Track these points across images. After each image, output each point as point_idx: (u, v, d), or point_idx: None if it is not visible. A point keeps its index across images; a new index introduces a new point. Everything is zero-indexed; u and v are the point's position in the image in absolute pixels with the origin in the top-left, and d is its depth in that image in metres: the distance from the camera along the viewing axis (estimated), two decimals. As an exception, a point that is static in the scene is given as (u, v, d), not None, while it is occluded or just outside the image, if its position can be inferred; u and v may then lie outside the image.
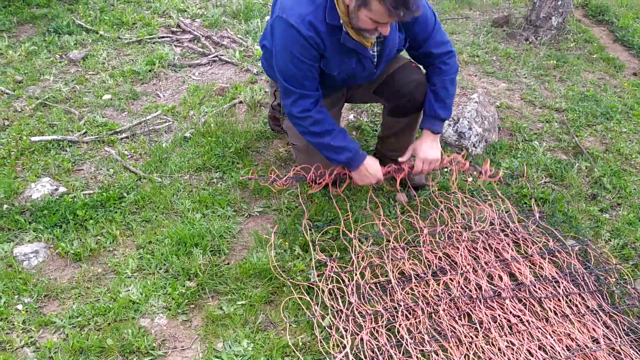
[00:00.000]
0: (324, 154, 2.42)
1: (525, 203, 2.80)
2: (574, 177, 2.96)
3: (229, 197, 2.69)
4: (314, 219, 2.59)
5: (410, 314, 2.13)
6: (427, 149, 2.49)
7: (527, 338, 2.05)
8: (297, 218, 2.59)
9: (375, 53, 2.33)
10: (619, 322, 2.15)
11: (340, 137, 2.37)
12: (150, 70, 3.89)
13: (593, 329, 2.12)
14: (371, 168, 2.47)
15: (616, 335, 2.09)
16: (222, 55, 4.18)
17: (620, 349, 2.03)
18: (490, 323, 2.09)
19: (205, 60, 4.13)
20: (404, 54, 2.53)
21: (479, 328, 2.07)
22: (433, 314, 2.13)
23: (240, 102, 3.53)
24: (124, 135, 3.18)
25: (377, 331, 2.04)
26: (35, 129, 3.16)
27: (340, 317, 2.07)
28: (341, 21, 2.11)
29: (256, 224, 2.59)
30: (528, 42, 4.51)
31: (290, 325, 2.06)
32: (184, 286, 2.19)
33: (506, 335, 2.05)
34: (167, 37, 4.42)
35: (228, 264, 2.34)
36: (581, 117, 3.50)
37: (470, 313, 2.15)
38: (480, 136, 3.14)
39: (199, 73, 3.97)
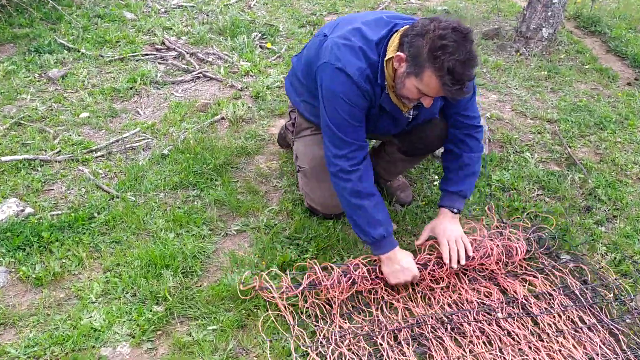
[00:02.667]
0: (356, 223, 2.13)
1: (518, 217, 2.67)
2: (567, 189, 2.83)
3: (205, 216, 2.56)
4: (293, 237, 2.45)
5: (396, 331, 1.99)
6: (448, 228, 2.23)
7: (518, 354, 1.91)
8: (276, 236, 2.46)
9: (411, 116, 2.23)
10: (619, 338, 2.01)
11: (380, 207, 2.13)
12: (131, 88, 3.78)
13: (590, 346, 1.98)
14: (405, 260, 2.14)
15: (614, 353, 1.95)
16: (206, 71, 4.09)
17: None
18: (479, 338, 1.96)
19: (189, 77, 4.04)
20: None
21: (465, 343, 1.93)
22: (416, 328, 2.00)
23: (222, 118, 3.43)
24: (99, 153, 3.06)
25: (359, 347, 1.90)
26: (8, 148, 3.04)
27: (320, 342, 1.93)
28: (385, 83, 2.02)
29: (233, 243, 2.45)
30: (519, 54, 4.42)
31: (264, 351, 1.92)
32: (150, 311, 2.05)
33: (495, 351, 1.92)
34: (151, 54, 4.33)
35: (200, 286, 2.20)
36: (574, 127, 3.38)
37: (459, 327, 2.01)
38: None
39: (182, 90, 3.87)
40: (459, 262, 2.18)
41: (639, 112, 3.62)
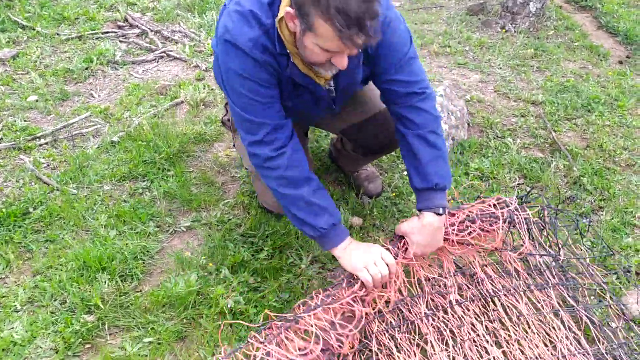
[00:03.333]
0: (296, 216, 1.73)
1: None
2: (551, 178, 2.61)
3: (153, 211, 2.33)
4: (248, 234, 2.23)
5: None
6: (423, 240, 1.76)
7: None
8: (229, 233, 2.23)
9: (332, 87, 1.79)
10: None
11: (321, 192, 1.74)
12: (86, 69, 3.52)
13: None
14: (363, 243, 1.75)
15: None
16: (170, 50, 3.82)
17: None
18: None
19: (151, 56, 3.77)
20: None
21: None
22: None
23: (182, 101, 3.17)
24: (44, 141, 2.81)
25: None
26: (-57, 136, 2.79)
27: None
28: (288, 50, 1.61)
29: (181, 241, 2.22)
30: (504, 30, 4.16)
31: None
32: (79, 321, 1.82)
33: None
34: (112, 32, 4.05)
35: (140, 291, 1.98)
36: (560, 110, 3.15)
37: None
38: (446, 133, 2.78)
39: (143, 70, 3.61)
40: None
41: (630, 93, 3.39)
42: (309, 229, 1.72)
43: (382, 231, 2.32)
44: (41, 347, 1.75)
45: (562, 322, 1.86)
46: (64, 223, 2.25)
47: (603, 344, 1.82)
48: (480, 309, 1.86)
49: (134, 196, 2.43)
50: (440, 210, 1.75)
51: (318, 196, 1.72)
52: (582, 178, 2.61)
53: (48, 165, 2.65)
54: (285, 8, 1.51)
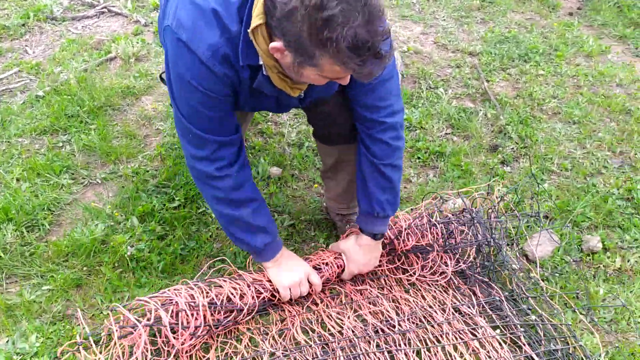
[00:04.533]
0: (232, 234, 1.68)
1: (419, 157, 2.45)
2: (477, 127, 2.61)
3: (69, 163, 2.31)
4: (162, 184, 2.22)
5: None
6: (359, 258, 1.82)
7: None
8: (143, 184, 2.23)
9: (302, 95, 1.58)
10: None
11: (263, 212, 1.67)
12: (23, 25, 3.44)
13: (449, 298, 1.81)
14: (292, 257, 1.76)
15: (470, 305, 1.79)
16: (112, 6, 3.74)
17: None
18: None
19: (92, 12, 3.69)
20: None
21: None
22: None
23: (115, 56, 3.12)
24: (-31, 97, 2.77)
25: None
26: None
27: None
28: (261, 62, 1.39)
29: (95, 192, 2.22)
30: (455, -18, 4.09)
31: (101, 312, 1.72)
32: (-21, 270, 1.83)
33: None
34: (54, -12, 3.94)
35: (46, 241, 1.98)
36: (496, 60, 3.13)
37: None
38: (376, 84, 2.76)
39: (82, 26, 3.53)
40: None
41: (573, 43, 3.36)
42: (244, 246, 1.71)
43: (301, 181, 2.33)
44: (-62, 295, 1.76)
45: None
46: (-22, 177, 2.24)
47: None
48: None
49: (54, 150, 2.41)
50: (378, 236, 1.79)
51: (257, 216, 1.65)
52: (507, 127, 2.61)
53: (-30, 120, 2.62)
54: (261, 18, 1.28)
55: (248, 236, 1.66)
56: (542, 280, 1.89)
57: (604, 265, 1.97)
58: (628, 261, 1.98)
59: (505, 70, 3.06)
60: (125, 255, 1.88)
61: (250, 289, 1.69)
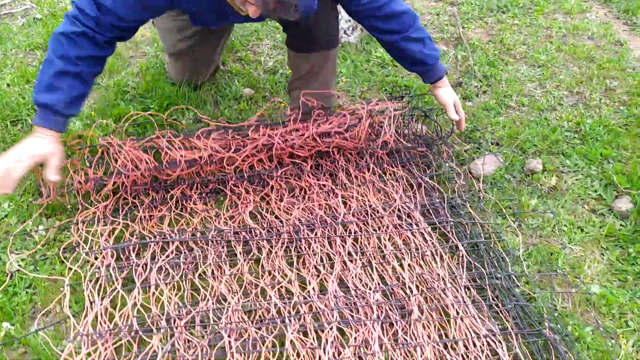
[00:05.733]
0: (40, 73, 1.73)
1: (386, 90, 2.59)
2: (445, 66, 2.74)
3: (57, 74, 2.50)
4: (140, 94, 2.40)
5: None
6: (452, 94, 2.12)
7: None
8: (123, 94, 2.40)
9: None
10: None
11: (64, 78, 1.69)
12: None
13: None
14: (38, 144, 1.68)
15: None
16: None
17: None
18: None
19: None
20: None
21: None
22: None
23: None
24: (-27, 17, 2.96)
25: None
26: None
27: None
28: None
29: (79, 99, 2.40)
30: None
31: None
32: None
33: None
34: None
35: (26, 132, 2.17)
36: (475, 9, 3.24)
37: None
38: (354, 23, 2.90)
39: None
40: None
41: (555, 1, 3.45)
42: (34, 94, 1.71)
43: (271, 102, 2.48)
44: None
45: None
46: (-27, 80, 2.43)
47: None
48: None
49: (44, 63, 2.59)
50: (444, 74, 2.11)
51: (58, 77, 1.68)
52: (474, 67, 2.74)
53: (-29, 36, 2.81)
54: None
55: (38, 85, 1.70)
56: (481, 191, 2.04)
57: (540, 184, 2.11)
58: (565, 182, 2.12)
59: (482, 19, 3.17)
60: (97, 146, 2.06)
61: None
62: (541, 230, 1.91)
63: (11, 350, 1.43)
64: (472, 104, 2.55)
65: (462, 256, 1.75)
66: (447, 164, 2.11)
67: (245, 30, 2.92)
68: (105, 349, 1.37)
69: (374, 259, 1.73)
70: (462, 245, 1.77)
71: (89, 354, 1.36)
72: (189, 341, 1.43)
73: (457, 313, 1.56)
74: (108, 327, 1.44)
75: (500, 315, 1.59)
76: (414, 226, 1.86)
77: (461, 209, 1.97)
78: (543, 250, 1.82)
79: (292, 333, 1.46)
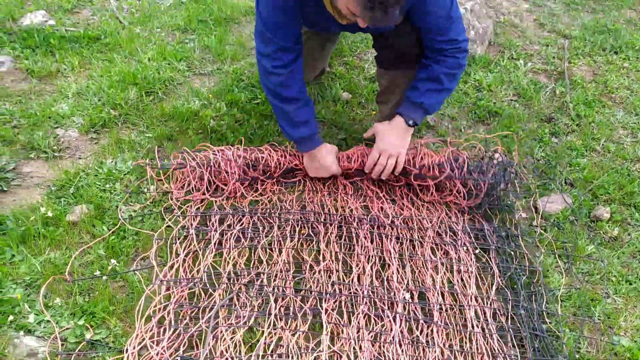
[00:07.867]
0: (278, 120, 2.15)
1: (476, 113, 2.73)
2: (542, 100, 2.82)
3: (188, 55, 2.89)
4: (253, 84, 2.73)
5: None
6: (389, 141, 2.12)
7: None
8: (238, 81, 2.75)
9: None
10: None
11: (304, 110, 2.08)
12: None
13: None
14: (324, 159, 2.16)
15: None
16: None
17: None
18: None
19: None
20: None
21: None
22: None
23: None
24: (131, -7, 3.45)
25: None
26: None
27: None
28: None
29: (200, 80, 2.78)
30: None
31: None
32: (107, 112, 2.45)
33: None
34: None
35: (156, 104, 2.57)
36: (587, 46, 3.24)
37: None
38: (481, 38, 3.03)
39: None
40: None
41: (679, 48, 3.35)
42: (286, 135, 2.15)
43: (365, 109, 2.71)
44: (74, 122, 2.41)
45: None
46: (122, 51, 2.88)
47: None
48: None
49: (180, 43, 3.00)
50: (411, 122, 2.10)
51: (300, 112, 2.07)
52: (570, 104, 2.78)
53: (127, 9, 3.29)
54: None
55: (289, 127, 2.11)
56: (540, 227, 2.15)
57: (603, 232, 2.17)
58: (628, 235, 2.17)
59: (591, 57, 3.17)
60: (208, 126, 2.42)
61: (279, 154, 2.22)
62: (589, 276, 2.00)
63: (114, 282, 1.81)
64: (557, 141, 2.62)
65: (497, 281, 1.91)
66: (511, 195, 2.24)
67: (357, 37, 3.16)
68: (177, 294, 1.72)
69: (411, 261, 1.96)
70: (498, 268, 1.94)
71: (167, 297, 1.72)
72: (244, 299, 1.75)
73: (473, 327, 1.74)
74: (183, 277, 1.79)
75: (522, 343, 1.74)
76: (458, 243, 2.04)
77: (513, 240, 2.10)
78: (584, 294, 1.91)
79: (326, 309, 1.74)
